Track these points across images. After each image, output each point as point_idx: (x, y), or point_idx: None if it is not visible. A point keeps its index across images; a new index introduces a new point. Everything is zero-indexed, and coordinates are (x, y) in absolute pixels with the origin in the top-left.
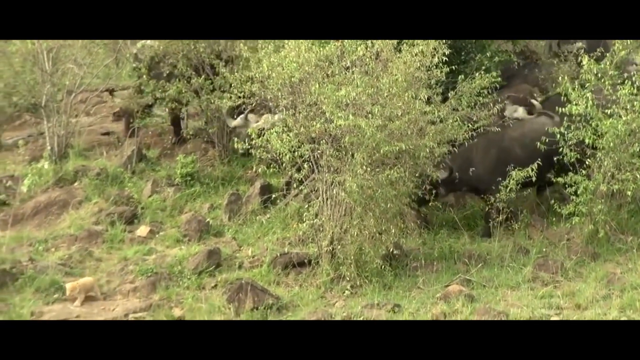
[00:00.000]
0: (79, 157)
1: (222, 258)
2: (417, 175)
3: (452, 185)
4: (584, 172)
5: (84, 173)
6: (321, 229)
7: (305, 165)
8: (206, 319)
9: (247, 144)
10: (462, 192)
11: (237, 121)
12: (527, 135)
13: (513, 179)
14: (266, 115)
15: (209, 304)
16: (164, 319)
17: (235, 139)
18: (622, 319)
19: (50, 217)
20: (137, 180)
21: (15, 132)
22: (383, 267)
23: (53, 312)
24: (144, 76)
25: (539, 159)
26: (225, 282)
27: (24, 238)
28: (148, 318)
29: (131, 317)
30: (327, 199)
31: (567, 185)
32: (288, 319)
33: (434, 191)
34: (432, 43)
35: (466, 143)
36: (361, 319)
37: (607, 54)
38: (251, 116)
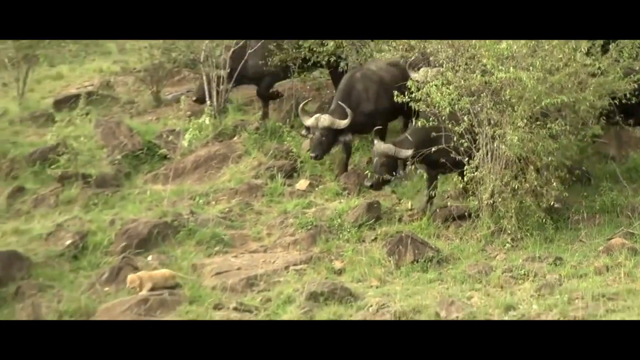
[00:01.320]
0: (238, 112)
1: (381, 211)
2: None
3: None
4: None
5: (243, 127)
6: (481, 182)
7: (465, 119)
8: (366, 271)
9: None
10: None
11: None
12: None
13: None
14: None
15: (368, 257)
16: (325, 271)
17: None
18: None
19: (210, 171)
20: (296, 135)
21: (174, 88)
22: (544, 220)
23: (214, 264)
24: None
25: None
26: (385, 235)
27: (185, 192)
28: (309, 270)
29: (292, 269)
30: (487, 153)
31: None
32: (448, 271)
33: None
34: None
35: None
36: (522, 272)
37: None
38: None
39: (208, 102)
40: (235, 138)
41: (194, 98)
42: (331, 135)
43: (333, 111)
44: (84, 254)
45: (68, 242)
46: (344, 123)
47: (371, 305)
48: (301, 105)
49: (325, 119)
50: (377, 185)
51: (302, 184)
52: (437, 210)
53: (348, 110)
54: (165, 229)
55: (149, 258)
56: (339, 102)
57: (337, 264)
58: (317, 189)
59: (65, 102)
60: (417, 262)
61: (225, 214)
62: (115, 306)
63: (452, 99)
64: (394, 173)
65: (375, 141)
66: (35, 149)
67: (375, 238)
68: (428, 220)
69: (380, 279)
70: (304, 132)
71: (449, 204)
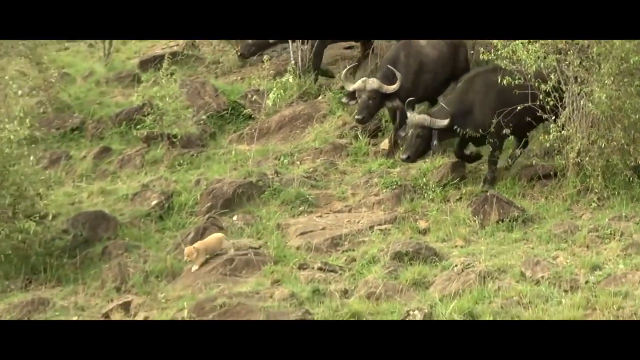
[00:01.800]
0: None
1: (466, 171)
2: None
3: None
4: None
5: (328, 87)
6: (568, 141)
7: (552, 77)
8: (451, 231)
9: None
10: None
11: None
12: None
13: None
14: (363, 78)
15: (453, 216)
16: (409, 231)
17: (481, 49)
18: None
19: (294, 130)
20: None
21: None
22: (631, 178)
23: (299, 224)
24: None
25: None
26: (470, 194)
27: (270, 151)
28: (393, 230)
29: (376, 229)
30: (574, 111)
31: None
32: (534, 231)
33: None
34: None
35: None
36: (608, 231)
37: None
38: None
39: (292, 61)
40: (319, 97)
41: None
42: (378, 99)
43: (381, 76)
44: (170, 214)
45: (154, 202)
46: (392, 88)
47: (456, 265)
48: (344, 72)
49: (373, 82)
50: (413, 158)
51: (386, 143)
52: (522, 168)
53: (398, 74)
54: (250, 189)
55: (234, 218)
56: (389, 67)
57: (422, 224)
58: (401, 148)
59: (151, 63)
60: (502, 221)
61: (310, 173)
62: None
63: (538, 57)
64: (430, 144)
65: (409, 112)
66: (121, 110)
67: (460, 197)
68: (513, 180)
69: (465, 238)
70: (344, 99)
71: (534, 162)
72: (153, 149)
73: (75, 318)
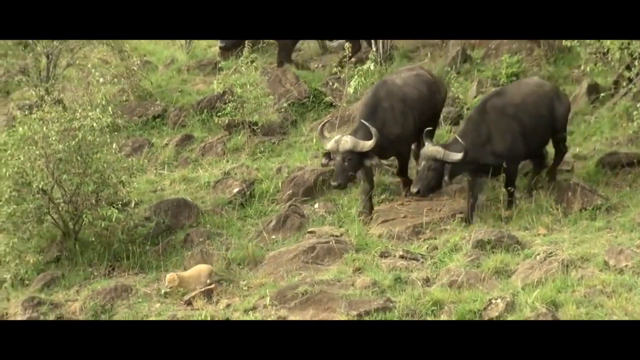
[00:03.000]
0: (404, 58)
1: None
2: None
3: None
4: None
5: None
6: None
7: (636, 63)
8: (533, 219)
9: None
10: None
11: None
12: None
13: None
14: (338, 136)
15: (536, 205)
16: (491, 219)
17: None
18: None
19: None
20: (463, 81)
21: None
22: None
23: (380, 212)
24: None
25: None
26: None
27: None
28: (475, 218)
29: (457, 217)
30: None
31: None
32: (617, 219)
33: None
34: None
35: None
36: None
37: None
38: None
39: (374, 49)
40: None
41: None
42: (355, 159)
43: (356, 131)
44: (251, 202)
45: (235, 190)
46: (369, 144)
47: (538, 254)
48: (319, 127)
49: (346, 141)
50: (425, 192)
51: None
52: (606, 156)
53: (373, 130)
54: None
55: (315, 206)
56: (362, 121)
57: (504, 212)
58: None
59: (231, 51)
60: (585, 210)
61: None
62: (283, 254)
63: (622, 43)
64: (442, 179)
65: (427, 142)
66: (203, 98)
67: (542, 186)
68: (596, 168)
69: (548, 227)
70: (323, 160)
71: (618, 150)
72: (234, 137)
73: (157, 305)
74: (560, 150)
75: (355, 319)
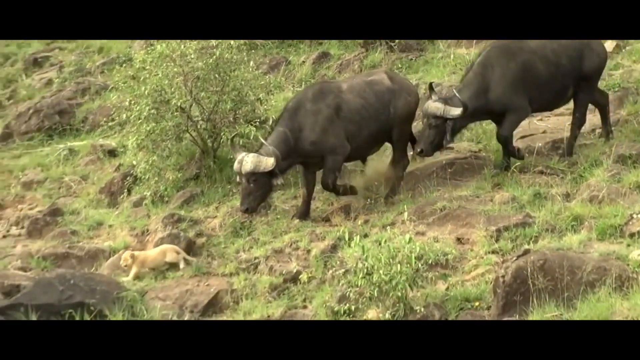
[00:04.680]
0: None
1: None
2: None
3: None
4: None
5: None
6: None
7: None
8: None
9: None
10: None
11: None
12: None
13: None
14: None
15: None
16: (632, 134)
17: None
18: None
19: None
20: None
21: None
22: None
23: (520, 127)
24: None
25: None
26: None
27: None
28: (616, 133)
29: (598, 132)
30: None
31: None
32: None
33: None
34: None
35: None
36: None
37: None
38: None
39: None
40: None
41: None
42: (261, 180)
43: (270, 138)
44: None
45: None
46: (271, 163)
47: None
48: (230, 138)
49: (247, 162)
50: (429, 151)
51: (608, 45)
52: None
53: (271, 148)
54: None
55: None
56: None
57: None
58: (624, 50)
59: None
60: None
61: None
62: (420, 170)
63: None
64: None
65: (433, 97)
66: None
67: None
68: None
69: None
70: (237, 178)
71: None
72: (371, 54)
73: (296, 222)
74: None
75: (494, 234)
